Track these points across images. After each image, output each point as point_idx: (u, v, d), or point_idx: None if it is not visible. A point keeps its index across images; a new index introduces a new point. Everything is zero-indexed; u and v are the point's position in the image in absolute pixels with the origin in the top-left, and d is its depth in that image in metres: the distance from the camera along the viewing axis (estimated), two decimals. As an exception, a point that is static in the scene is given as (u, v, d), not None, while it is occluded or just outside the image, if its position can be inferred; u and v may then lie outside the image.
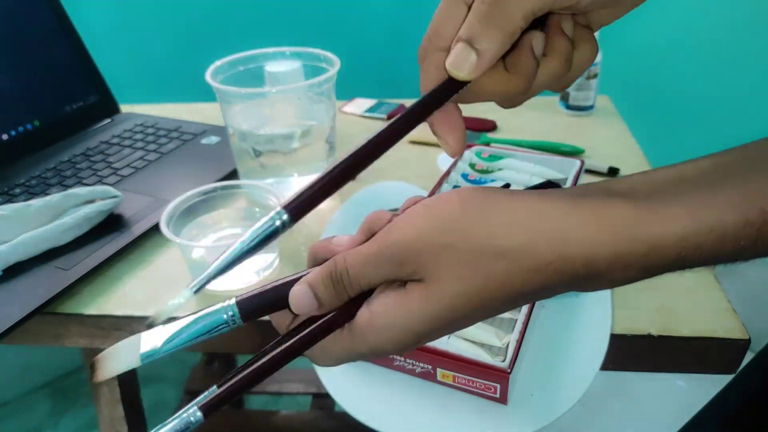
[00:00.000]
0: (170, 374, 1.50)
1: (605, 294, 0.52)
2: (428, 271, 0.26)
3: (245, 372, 0.28)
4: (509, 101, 0.31)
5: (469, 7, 0.29)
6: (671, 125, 1.40)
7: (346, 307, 0.28)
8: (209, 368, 1.21)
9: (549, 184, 0.35)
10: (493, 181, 0.63)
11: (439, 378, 0.46)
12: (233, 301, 0.29)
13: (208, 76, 0.64)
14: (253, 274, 0.57)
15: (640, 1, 0.32)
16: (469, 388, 0.45)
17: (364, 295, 0.29)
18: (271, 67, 0.69)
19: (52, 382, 1.55)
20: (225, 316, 0.29)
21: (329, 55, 0.68)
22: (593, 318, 0.50)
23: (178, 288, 0.57)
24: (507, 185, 0.28)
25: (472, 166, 0.66)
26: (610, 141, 0.82)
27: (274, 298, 0.29)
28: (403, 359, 0.46)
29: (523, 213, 0.26)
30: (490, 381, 0.43)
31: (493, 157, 0.68)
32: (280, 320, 0.30)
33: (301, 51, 0.70)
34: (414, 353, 0.45)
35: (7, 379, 1.50)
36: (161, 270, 0.60)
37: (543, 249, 0.25)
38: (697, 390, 0.77)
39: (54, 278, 0.56)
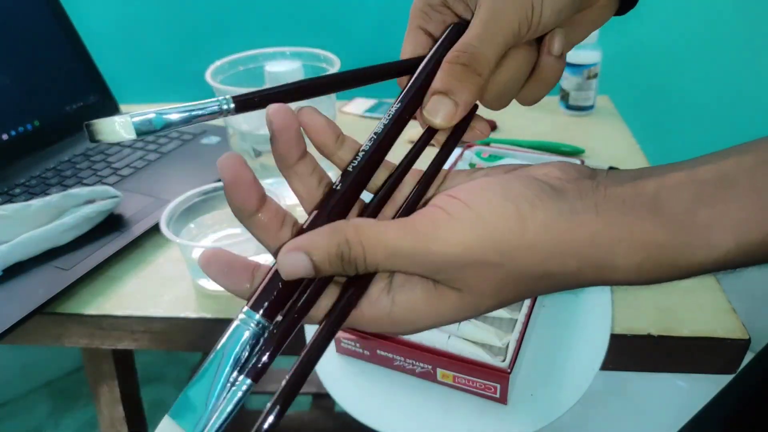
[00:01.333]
0: (170, 374, 1.50)
1: (605, 294, 0.52)
2: (468, 285, 0.25)
3: (289, 378, 0.26)
4: (497, 103, 0.33)
5: (428, 34, 0.34)
6: (671, 125, 1.40)
7: (358, 282, 0.26)
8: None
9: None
10: None
11: (439, 378, 0.46)
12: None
13: (208, 76, 0.64)
14: (253, 274, 0.57)
15: (601, 22, 0.34)
16: (469, 388, 0.45)
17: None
18: (271, 67, 0.68)
19: (52, 382, 1.55)
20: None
21: (329, 55, 0.68)
22: (593, 318, 0.50)
23: (177, 288, 0.57)
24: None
25: (472, 166, 0.66)
26: (610, 141, 0.82)
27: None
28: (403, 359, 0.46)
29: (578, 240, 0.25)
30: (490, 381, 0.43)
31: (493, 157, 0.68)
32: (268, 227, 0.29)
33: (301, 51, 0.70)
34: (414, 353, 0.45)
35: (7, 379, 1.50)
36: (161, 270, 0.60)
37: (589, 276, 0.25)
38: (697, 390, 0.77)
39: (54, 278, 0.56)
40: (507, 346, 0.44)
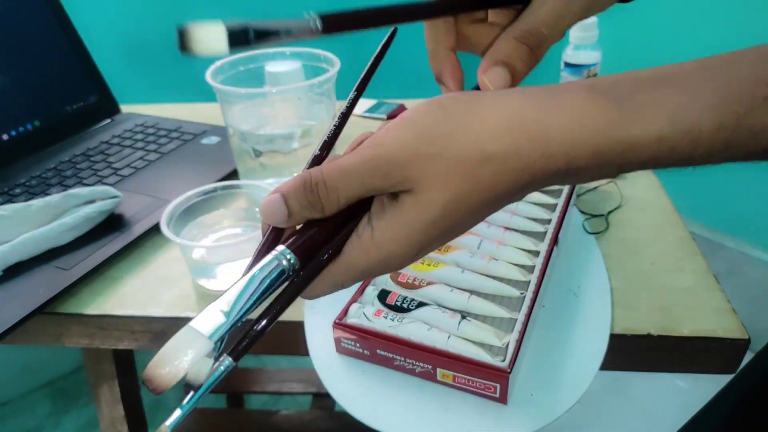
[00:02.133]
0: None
1: (605, 294, 0.52)
2: (416, 182, 0.27)
3: (266, 318, 0.28)
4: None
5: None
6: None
7: (330, 224, 0.29)
8: (209, 368, 1.21)
9: None
10: None
11: (439, 378, 0.46)
12: (282, 247, 0.28)
13: (208, 76, 0.64)
14: (254, 274, 0.57)
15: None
16: (468, 387, 0.45)
17: (342, 213, 0.29)
18: (272, 67, 0.69)
19: (52, 382, 1.55)
20: (284, 263, 0.28)
21: (329, 55, 0.68)
22: (593, 318, 0.50)
23: (177, 288, 0.57)
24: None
25: None
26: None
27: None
28: (403, 359, 0.46)
29: (506, 115, 0.26)
30: (490, 381, 0.43)
31: None
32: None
33: (302, 51, 0.70)
34: (414, 353, 0.45)
35: (8, 379, 1.50)
36: (161, 270, 0.60)
37: (527, 150, 0.26)
38: (697, 390, 0.77)
39: (54, 278, 0.56)
40: (507, 346, 0.44)
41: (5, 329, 0.50)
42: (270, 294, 0.28)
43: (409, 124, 0.27)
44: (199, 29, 0.25)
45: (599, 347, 0.48)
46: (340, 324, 0.47)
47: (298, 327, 0.52)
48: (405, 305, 0.48)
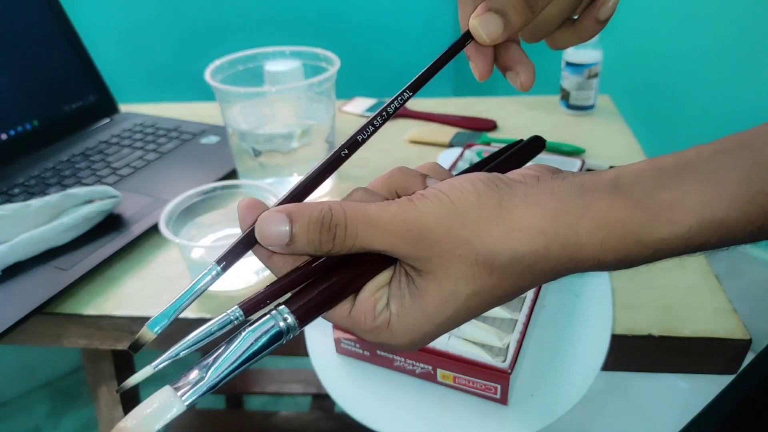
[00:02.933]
0: (169, 375, 1.50)
1: (606, 294, 0.52)
2: (442, 265, 0.26)
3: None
4: (533, 36, 0.37)
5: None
6: (672, 124, 1.40)
7: (332, 276, 0.27)
8: (209, 368, 1.21)
9: (537, 139, 0.38)
10: None
11: (439, 378, 0.45)
12: (282, 307, 0.26)
13: (207, 76, 0.64)
14: (253, 274, 0.56)
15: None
16: (469, 388, 0.45)
17: (348, 259, 0.27)
18: (271, 66, 0.68)
19: (51, 383, 1.55)
20: (281, 324, 0.26)
21: (329, 54, 0.68)
22: (594, 318, 0.50)
23: (177, 288, 0.57)
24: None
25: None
26: (610, 140, 0.82)
27: (327, 300, 0.27)
28: (403, 360, 0.46)
29: (539, 216, 0.26)
30: (491, 381, 0.43)
31: None
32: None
33: (301, 50, 0.70)
34: (414, 354, 0.45)
35: (6, 380, 1.50)
36: (160, 270, 0.59)
37: (558, 254, 0.26)
38: (698, 390, 0.77)
39: (53, 278, 0.56)
40: (507, 347, 0.44)
41: (4, 329, 0.50)
42: (262, 356, 0.26)
43: (446, 202, 0.27)
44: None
45: (600, 348, 0.48)
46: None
47: (297, 327, 0.51)
48: None
